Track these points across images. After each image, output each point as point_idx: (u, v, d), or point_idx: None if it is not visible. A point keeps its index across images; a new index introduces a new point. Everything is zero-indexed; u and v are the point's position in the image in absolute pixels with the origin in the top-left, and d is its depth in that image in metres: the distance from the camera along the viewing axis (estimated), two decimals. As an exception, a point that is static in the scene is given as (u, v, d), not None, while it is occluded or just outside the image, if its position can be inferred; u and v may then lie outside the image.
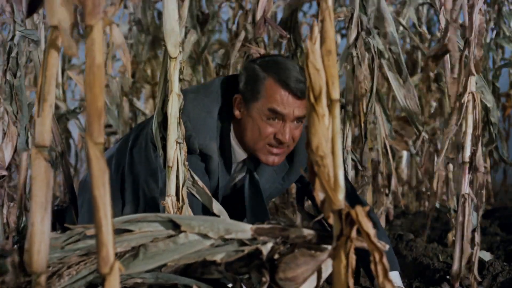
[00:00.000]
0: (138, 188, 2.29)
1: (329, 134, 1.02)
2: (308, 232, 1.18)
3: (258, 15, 3.06)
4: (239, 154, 2.28)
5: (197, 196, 2.03)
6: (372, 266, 0.98)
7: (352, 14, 2.66)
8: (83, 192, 2.48)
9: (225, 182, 2.29)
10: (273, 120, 2.14)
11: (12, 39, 2.32)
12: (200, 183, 2.01)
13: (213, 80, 2.37)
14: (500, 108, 5.10)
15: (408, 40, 5.11)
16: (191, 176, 2.01)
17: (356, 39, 2.66)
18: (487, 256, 2.68)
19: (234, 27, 4.45)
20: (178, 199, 1.85)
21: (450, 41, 2.04)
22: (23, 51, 2.32)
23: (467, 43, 2.28)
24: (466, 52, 2.27)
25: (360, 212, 0.97)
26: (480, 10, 2.24)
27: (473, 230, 2.32)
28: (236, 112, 2.20)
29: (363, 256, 1.46)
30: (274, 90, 2.12)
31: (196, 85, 3.49)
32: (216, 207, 2.03)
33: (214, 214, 2.16)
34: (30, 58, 2.45)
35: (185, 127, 1.97)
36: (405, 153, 4.86)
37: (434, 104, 5.08)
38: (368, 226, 0.96)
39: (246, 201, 2.30)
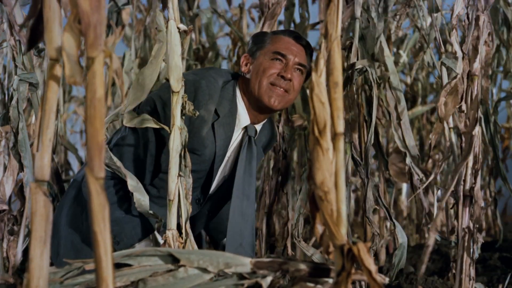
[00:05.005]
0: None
1: (333, 168, 1.02)
2: (307, 266, 1.17)
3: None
4: (244, 118, 2.47)
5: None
6: (372, 302, 0.98)
7: (351, 43, 2.66)
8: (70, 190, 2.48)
9: (224, 149, 2.43)
10: (276, 60, 2.43)
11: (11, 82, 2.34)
12: (124, 170, 2.02)
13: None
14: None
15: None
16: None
17: (351, 68, 2.63)
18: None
19: (234, 59, 4.48)
20: (179, 233, 1.85)
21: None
22: (22, 97, 2.33)
23: (471, 75, 2.27)
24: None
25: (361, 248, 0.96)
26: (485, 42, 2.25)
27: (469, 264, 2.30)
28: (243, 68, 2.49)
29: None
30: (277, 38, 2.49)
31: None
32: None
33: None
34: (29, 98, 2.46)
35: (197, 86, 2.29)
36: (404, 185, 4.84)
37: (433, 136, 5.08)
38: (369, 263, 0.96)
39: (238, 164, 2.46)
